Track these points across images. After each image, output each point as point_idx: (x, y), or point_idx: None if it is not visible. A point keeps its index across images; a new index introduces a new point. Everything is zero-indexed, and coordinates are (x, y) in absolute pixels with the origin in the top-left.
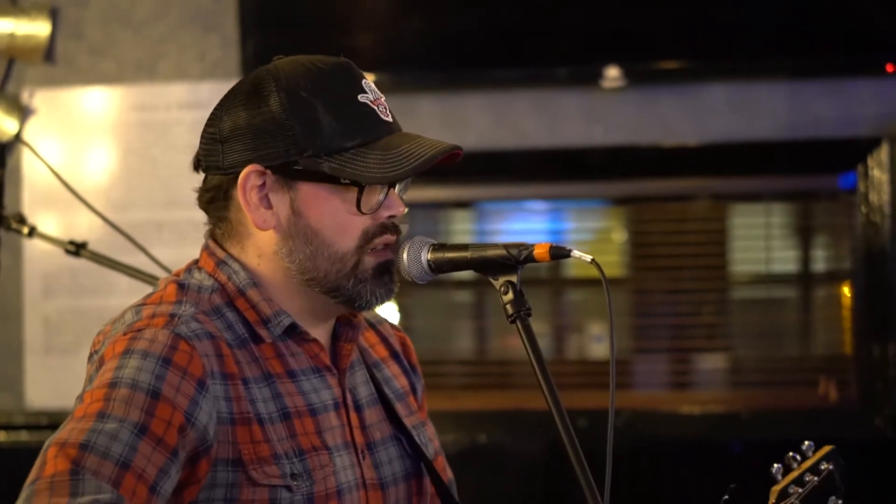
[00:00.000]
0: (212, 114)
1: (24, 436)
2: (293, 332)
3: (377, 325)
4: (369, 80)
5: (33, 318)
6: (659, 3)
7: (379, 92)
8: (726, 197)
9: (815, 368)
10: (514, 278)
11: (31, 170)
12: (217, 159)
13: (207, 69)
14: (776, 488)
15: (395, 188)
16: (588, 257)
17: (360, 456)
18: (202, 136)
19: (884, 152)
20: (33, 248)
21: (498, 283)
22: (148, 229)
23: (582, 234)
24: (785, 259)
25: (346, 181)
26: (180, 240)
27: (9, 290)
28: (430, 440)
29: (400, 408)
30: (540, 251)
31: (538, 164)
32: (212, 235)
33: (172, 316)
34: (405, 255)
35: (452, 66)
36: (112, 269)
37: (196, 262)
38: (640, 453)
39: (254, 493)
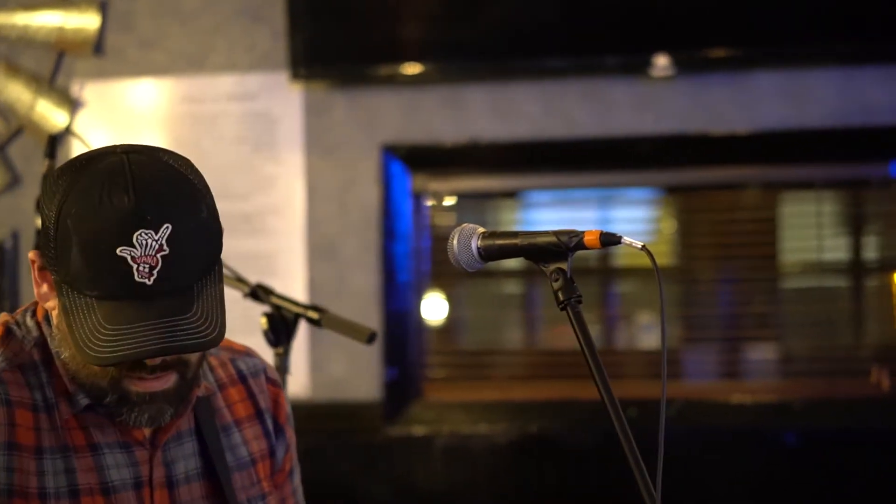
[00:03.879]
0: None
1: None
2: (97, 408)
3: (250, 377)
4: (150, 234)
5: None
6: None
7: (160, 247)
8: (777, 185)
9: (867, 357)
10: (564, 265)
11: None
12: None
13: (256, 61)
14: None
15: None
16: (639, 244)
17: None
18: None
19: None
20: None
21: (548, 270)
22: None
23: (631, 224)
24: (836, 247)
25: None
26: (230, 231)
27: None
28: None
29: (237, 478)
30: (590, 238)
31: (588, 154)
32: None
33: None
34: (455, 243)
35: (502, 55)
36: None
37: (35, 304)
38: (691, 443)
39: None
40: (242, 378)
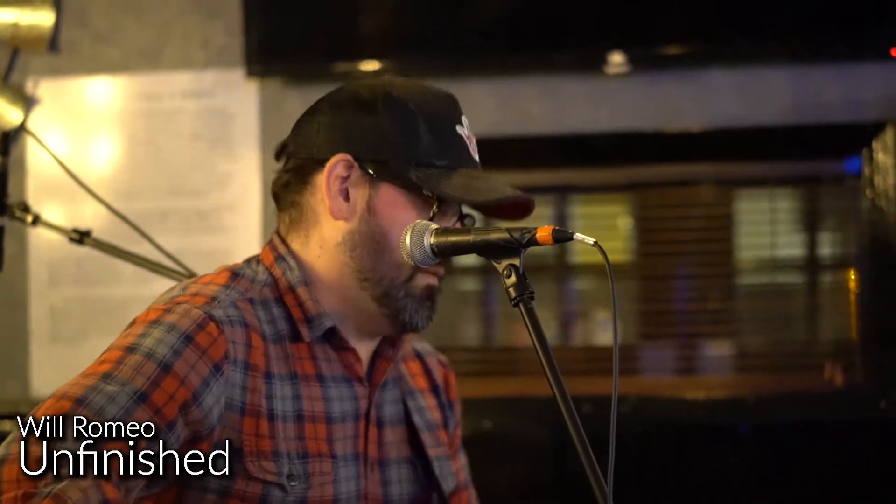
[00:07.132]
0: (316, 102)
1: None
2: (332, 336)
3: (425, 356)
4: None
5: (39, 306)
6: None
7: (471, 132)
8: (731, 182)
9: (820, 353)
10: (516, 261)
11: (36, 159)
12: (310, 143)
13: (212, 57)
14: None
15: (462, 223)
16: (591, 240)
17: (368, 469)
18: (298, 121)
19: (889, 136)
20: (38, 238)
21: (501, 266)
22: (153, 218)
23: (587, 221)
24: (790, 244)
25: (428, 193)
26: (185, 228)
27: (14, 279)
28: (454, 474)
29: (426, 437)
30: (543, 234)
31: (543, 150)
32: (277, 231)
33: (213, 298)
34: (408, 239)
35: (457, 51)
36: (116, 257)
37: (257, 256)
38: (646, 439)
39: (247, 485)
40: (419, 356)
